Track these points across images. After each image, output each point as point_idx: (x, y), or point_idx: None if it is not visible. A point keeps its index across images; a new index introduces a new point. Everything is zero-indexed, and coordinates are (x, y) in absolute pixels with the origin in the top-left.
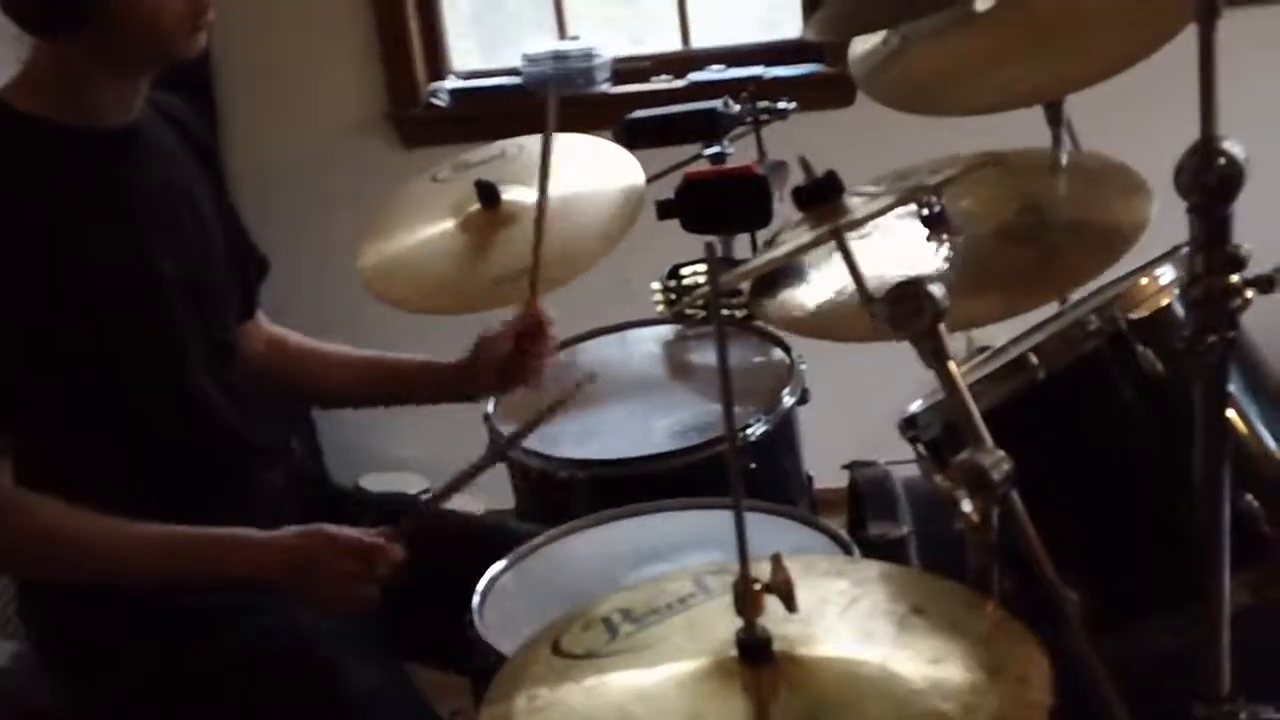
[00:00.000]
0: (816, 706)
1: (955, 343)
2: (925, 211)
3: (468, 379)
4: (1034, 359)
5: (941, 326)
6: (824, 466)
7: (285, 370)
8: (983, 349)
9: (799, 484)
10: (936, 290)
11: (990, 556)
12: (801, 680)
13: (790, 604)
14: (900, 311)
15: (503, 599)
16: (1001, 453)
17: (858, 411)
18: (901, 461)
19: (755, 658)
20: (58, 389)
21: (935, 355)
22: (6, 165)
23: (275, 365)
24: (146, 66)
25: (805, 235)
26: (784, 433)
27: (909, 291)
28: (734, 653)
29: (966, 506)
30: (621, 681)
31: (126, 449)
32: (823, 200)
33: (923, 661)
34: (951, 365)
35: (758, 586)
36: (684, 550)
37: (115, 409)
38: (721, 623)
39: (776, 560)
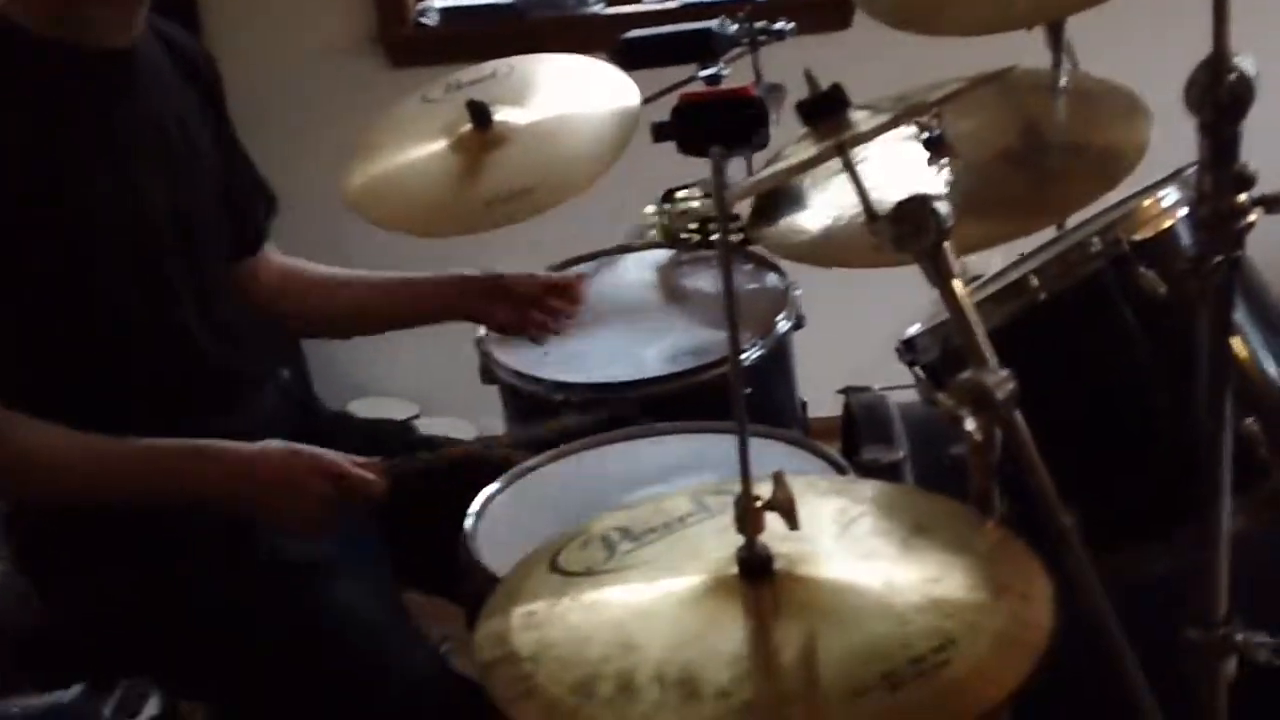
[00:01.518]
0: (817, 624)
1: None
2: (925, 134)
3: (474, 303)
4: (1035, 281)
5: (946, 245)
6: (818, 394)
7: (296, 301)
8: (976, 278)
9: (793, 411)
10: (942, 207)
11: (992, 476)
12: (802, 598)
13: (792, 521)
14: (904, 229)
15: (496, 522)
16: (1005, 372)
17: (852, 338)
18: (897, 387)
19: (756, 575)
20: (36, 315)
21: (939, 274)
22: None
23: (286, 297)
24: None
25: (809, 150)
26: (779, 359)
27: (913, 209)
28: (734, 570)
29: (969, 425)
30: (620, 598)
31: (109, 378)
32: (828, 114)
33: (924, 580)
34: (956, 284)
35: (759, 504)
36: (679, 474)
37: (96, 338)
38: (721, 541)
39: (779, 478)
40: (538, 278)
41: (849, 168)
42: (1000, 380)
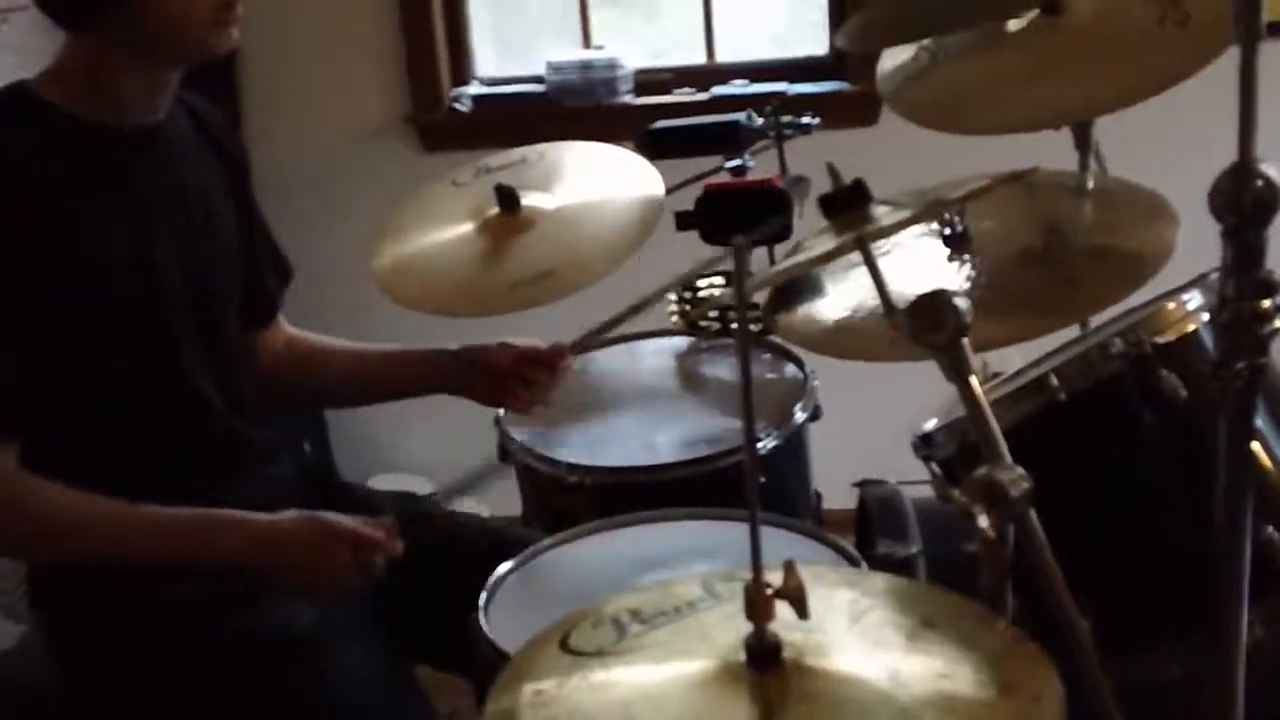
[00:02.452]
0: (823, 715)
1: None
2: (947, 230)
3: (459, 377)
4: (1055, 380)
5: (964, 341)
6: (833, 485)
7: (300, 370)
8: (995, 375)
9: (806, 501)
10: (961, 303)
11: (1004, 574)
12: (809, 689)
13: (802, 611)
14: (923, 323)
15: (508, 600)
16: (1020, 470)
17: (868, 431)
18: (912, 482)
19: (764, 663)
20: (60, 383)
21: (956, 369)
22: (26, 155)
23: (291, 366)
24: (174, 62)
25: (830, 242)
26: (794, 448)
27: (933, 303)
28: (742, 657)
29: (983, 522)
30: (628, 680)
31: (127, 445)
32: (850, 208)
33: (932, 675)
34: (973, 380)
35: (769, 592)
36: (689, 559)
37: (115, 406)
38: (730, 628)
39: (790, 566)
40: (511, 348)
41: (869, 261)
42: (1015, 478)
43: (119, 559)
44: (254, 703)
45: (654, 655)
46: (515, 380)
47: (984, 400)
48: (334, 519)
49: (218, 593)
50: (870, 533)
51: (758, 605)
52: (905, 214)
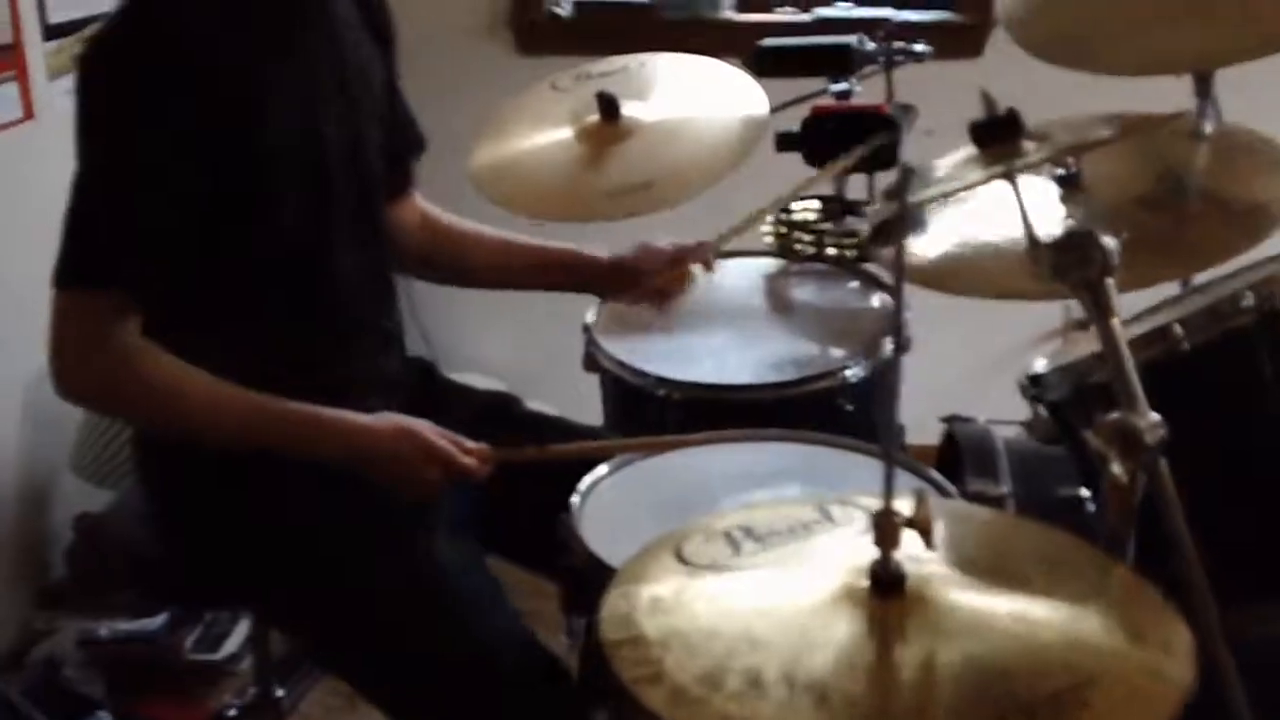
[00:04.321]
0: (947, 647)
1: (1052, 311)
2: (1060, 171)
3: (611, 276)
4: (1179, 330)
5: (1109, 280)
6: (910, 419)
7: (439, 247)
8: (1081, 320)
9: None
10: (1109, 242)
11: (1130, 522)
12: (932, 619)
13: (929, 541)
14: (1068, 259)
15: (600, 504)
16: (1156, 416)
17: (947, 367)
18: (996, 421)
19: (887, 590)
20: (207, 252)
21: (1099, 309)
22: (204, 22)
23: (429, 241)
24: None
25: (974, 173)
26: (881, 379)
27: (1079, 240)
28: (865, 583)
29: (1115, 468)
30: (746, 596)
31: (255, 326)
32: (1003, 138)
33: (1059, 618)
34: (1115, 322)
35: (898, 519)
36: (782, 479)
37: (256, 282)
38: (850, 552)
39: (920, 498)
40: (652, 247)
41: (1016, 194)
42: (1152, 425)
43: (215, 438)
44: (348, 583)
45: (772, 574)
46: (661, 278)
47: (1124, 344)
48: (431, 437)
49: (318, 465)
50: (958, 470)
51: (887, 532)
52: (1052, 147)
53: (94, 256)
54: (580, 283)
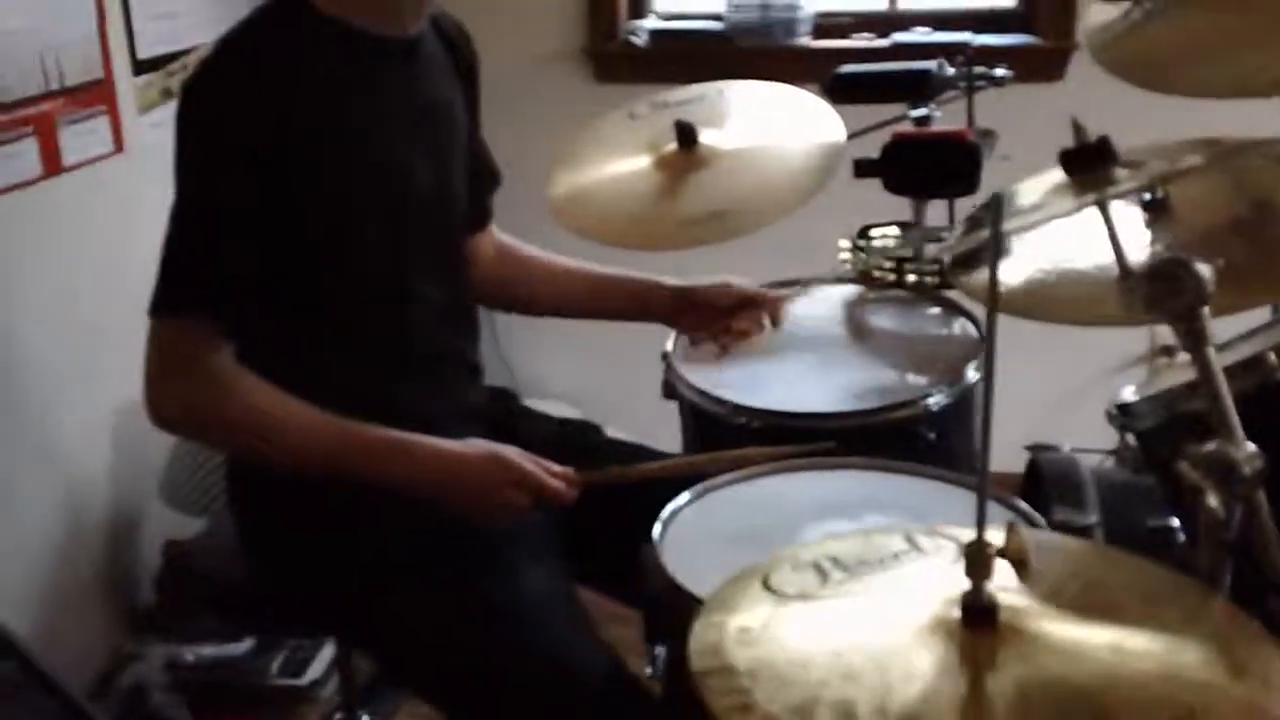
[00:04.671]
0: (1042, 680)
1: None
2: (1147, 196)
3: (673, 306)
4: (1274, 358)
5: (1205, 310)
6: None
7: (513, 277)
8: (1167, 348)
9: (971, 461)
10: (1204, 270)
11: (1225, 554)
12: (1026, 651)
13: (1023, 572)
14: (1160, 289)
15: (682, 532)
16: (1254, 447)
17: (1027, 395)
18: (1083, 450)
19: (979, 622)
20: (293, 282)
21: (1194, 338)
22: (296, 56)
23: (503, 272)
24: None
25: (1066, 201)
26: (963, 407)
27: (1172, 269)
28: (956, 614)
29: (1211, 500)
30: (836, 627)
31: (338, 346)
32: (1094, 166)
33: (1156, 651)
34: (1210, 351)
35: (990, 551)
36: (865, 509)
37: (341, 311)
38: (940, 583)
39: (1012, 528)
40: (730, 288)
41: (1109, 224)
42: (1249, 456)
43: (305, 465)
44: (437, 610)
45: (862, 604)
46: (725, 317)
47: (1220, 373)
48: (519, 463)
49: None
50: (1044, 499)
51: (979, 563)
52: (1147, 176)
53: (181, 285)
54: (641, 311)
